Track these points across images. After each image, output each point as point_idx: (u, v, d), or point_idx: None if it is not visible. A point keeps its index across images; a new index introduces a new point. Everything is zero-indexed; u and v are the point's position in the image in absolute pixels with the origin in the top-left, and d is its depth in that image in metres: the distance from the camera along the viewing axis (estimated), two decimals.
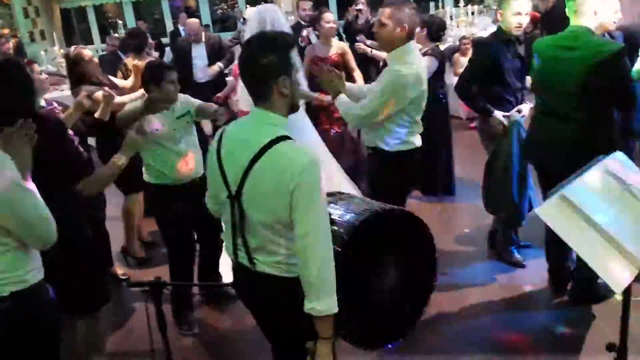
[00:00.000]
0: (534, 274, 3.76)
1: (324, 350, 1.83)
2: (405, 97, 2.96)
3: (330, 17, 5.13)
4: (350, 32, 7.26)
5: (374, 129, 3.11)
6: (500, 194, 3.69)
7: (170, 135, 3.29)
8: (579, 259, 3.26)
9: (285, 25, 3.96)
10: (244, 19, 8.14)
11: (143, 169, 3.42)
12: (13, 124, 2.03)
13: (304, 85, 3.36)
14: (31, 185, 1.98)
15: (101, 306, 2.84)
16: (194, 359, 3.28)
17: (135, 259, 4.54)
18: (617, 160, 2.34)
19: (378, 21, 3.04)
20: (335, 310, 1.80)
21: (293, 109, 1.93)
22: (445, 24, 5.68)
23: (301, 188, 1.75)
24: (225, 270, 3.69)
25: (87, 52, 4.22)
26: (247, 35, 4.03)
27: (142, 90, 3.64)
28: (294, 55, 1.87)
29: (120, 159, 2.74)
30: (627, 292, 2.11)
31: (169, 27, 13.04)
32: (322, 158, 4.09)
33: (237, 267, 2.07)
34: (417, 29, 4.64)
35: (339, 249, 1.98)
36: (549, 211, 2.01)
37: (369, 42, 6.05)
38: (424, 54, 4.64)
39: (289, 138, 1.83)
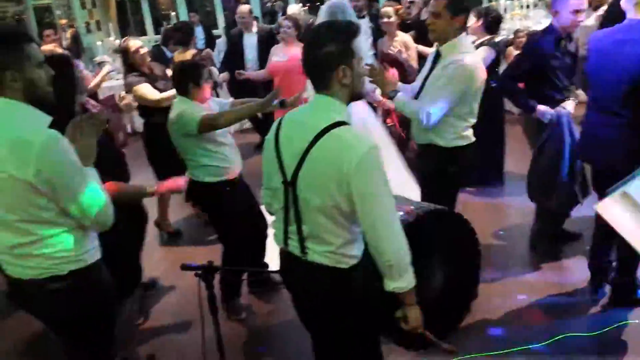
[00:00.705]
0: (579, 272, 3.66)
1: (414, 315, 1.95)
2: (472, 87, 2.93)
3: (389, 12, 5.11)
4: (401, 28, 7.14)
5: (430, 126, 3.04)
6: (549, 182, 3.59)
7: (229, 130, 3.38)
8: (619, 263, 3.17)
9: (353, 16, 3.95)
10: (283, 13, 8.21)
11: (193, 171, 3.35)
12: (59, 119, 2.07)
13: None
14: (93, 172, 2.03)
15: (129, 294, 2.93)
16: (240, 344, 3.35)
17: (168, 233, 4.80)
18: None
19: (432, 12, 2.98)
20: (414, 283, 1.89)
21: (355, 98, 1.93)
22: (502, 15, 5.55)
23: (361, 175, 1.75)
24: (270, 260, 3.74)
25: (134, 42, 4.34)
26: None
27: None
28: (359, 44, 1.86)
29: (152, 189, 2.68)
30: None
31: (220, 19, 13.22)
32: (385, 152, 4.10)
33: (286, 256, 2.07)
34: (473, 21, 4.62)
35: None
36: (608, 207, 1.96)
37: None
38: (480, 45, 4.56)
39: (347, 124, 1.83)
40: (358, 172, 1.74)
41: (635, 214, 1.92)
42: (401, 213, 2.35)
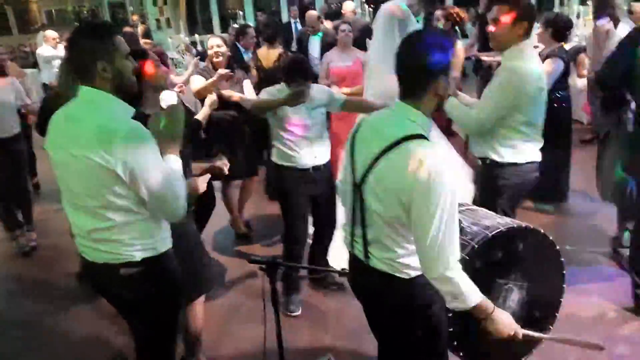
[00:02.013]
0: None
1: (493, 326, 1.84)
2: (524, 93, 2.75)
3: (438, 15, 5.04)
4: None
5: (484, 136, 2.92)
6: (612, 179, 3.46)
7: (302, 124, 3.43)
8: None
9: (414, 22, 3.90)
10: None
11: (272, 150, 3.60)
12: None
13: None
14: (173, 163, 2.08)
15: (201, 294, 2.96)
16: (298, 337, 3.39)
17: (239, 234, 4.89)
18: None
19: (494, 19, 2.85)
20: (478, 299, 1.78)
21: (435, 110, 1.87)
22: (572, 22, 5.35)
23: (424, 193, 1.70)
24: (333, 258, 3.76)
25: (214, 40, 4.49)
26: (377, 36, 4.02)
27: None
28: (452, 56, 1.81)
29: (200, 186, 2.58)
30: None
31: (285, 19, 13.38)
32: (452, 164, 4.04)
33: (352, 259, 2.08)
34: (540, 29, 4.47)
35: (467, 258, 1.93)
36: None
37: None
38: (548, 56, 4.41)
39: (426, 138, 1.79)
40: (419, 189, 1.70)
41: None
42: (477, 228, 2.29)
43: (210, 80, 4.15)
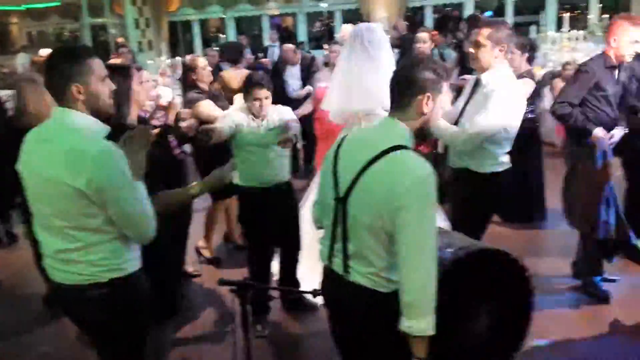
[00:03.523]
0: (620, 309, 3.59)
1: (422, 347, 1.81)
2: (512, 114, 2.96)
3: (424, 37, 5.12)
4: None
5: (468, 149, 3.05)
6: (587, 210, 3.53)
7: (260, 143, 3.43)
8: None
9: (385, 44, 3.91)
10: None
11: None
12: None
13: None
14: (140, 185, 2.08)
15: (170, 317, 2.92)
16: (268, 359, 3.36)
17: (207, 258, 4.81)
18: None
19: (475, 41, 3.03)
20: (432, 332, 1.78)
21: (419, 135, 1.94)
22: (536, 45, 5.56)
23: (412, 200, 1.75)
24: (304, 278, 3.75)
25: (202, 60, 4.50)
26: (343, 52, 4.05)
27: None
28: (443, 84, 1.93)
29: (195, 189, 2.60)
30: None
31: (267, 42, 13.53)
32: None
33: (328, 274, 2.07)
34: (518, 53, 4.60)
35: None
36: None
37: None
38: (520, 77, 4.53)
39: (409, 148, 1.86)
40: (408, 196, 1.75)
41: None
42: (451, 250, 2.31)
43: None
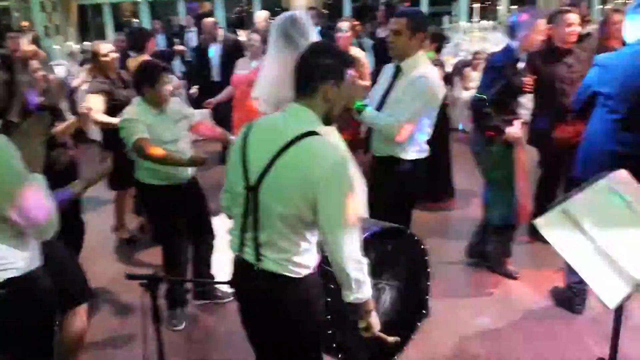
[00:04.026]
0: (527, 287, 3.79)
1: (375, 321, 1.97)
2: (436, 97, 3.05)
3: (343, 26, 5.12)
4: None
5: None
6: (502, 199, 3.73)
7: (167, 140, 3.31)
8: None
9: (312, 32, 3.92)
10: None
11: (137, 169, 3.42)
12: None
13: None
14: (38, 178, 1.97)
15: (84, 301, 2.79)
16: (182, 354, 3.30)
17: (125, 239, 4.78)
18: (621, 177, 2.33)
19: (393, 30, 3.07)
20: (371, 292, 1.91)
21: (327, 121, 1.95)
22: (445, 35, 5.79)
23: (327, 184, 1.78)
24: (218, 272, 3.70)
25: (105, 46, 4.29)
26: (271, 41, 4.04)
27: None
28: (348, 73, 1.95)
29: (76, 187, 2.43)
30: (619, 309, 2.11)
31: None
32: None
33: (239, 264, 2.05)
34: (427, 42, 4.73)
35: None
36: (548, 223, 2.01)
37: None
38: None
39: (319, 135, 1.86)
40: (325, 181, 1.77)
41: (572, 231, 1.98)
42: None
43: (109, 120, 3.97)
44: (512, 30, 3.62)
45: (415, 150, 3.13)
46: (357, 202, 1.88)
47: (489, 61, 3.95)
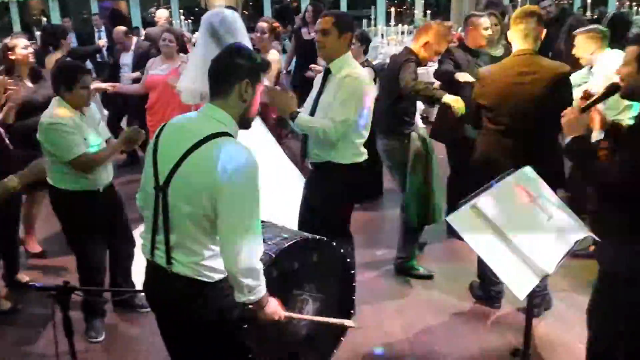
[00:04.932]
0: (444, 284, 3.91)
1: (269, 311, 1.95)
2: (369, 100, 3.02)
3: (263, 27, 5.08)
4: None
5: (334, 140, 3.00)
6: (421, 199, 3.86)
7: (94, 141, 3.17)
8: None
9: (240, 29, 3.91)
10: None
11: (50, 176, 3.16)
12: None
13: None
14: None
15: None
16: None
17: (33, 253, 4.47)
18: (527, 174, 2.46)
19: (321, 30, 3.03)
20: (264, 292, 1.88)
21: (244, 123, 1.95)
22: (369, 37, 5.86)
23: (231, 187, 1.75)
24: (138, 281, 3.58)
25: (17, 41, 4.06)
26: (199, 40, 3.99)
27: None
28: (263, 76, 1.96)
29: (13, 182, 2.43)
30: (530, 299, 2.22)
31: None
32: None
33: (151, 268, 2.00)
34: (357, 44, 4.78)
35: (265, 267, 1.97)
36: (459, 219, 2.09)
37: None
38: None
39: (231, 136, 1.86)
40: (229, 183, 1.75)
41: (483, 227, 2.07)
42: (275, 240, 2.36)
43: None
44: None
45: (352, 154, 3.09)
46: (261, 210, 1.85)
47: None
